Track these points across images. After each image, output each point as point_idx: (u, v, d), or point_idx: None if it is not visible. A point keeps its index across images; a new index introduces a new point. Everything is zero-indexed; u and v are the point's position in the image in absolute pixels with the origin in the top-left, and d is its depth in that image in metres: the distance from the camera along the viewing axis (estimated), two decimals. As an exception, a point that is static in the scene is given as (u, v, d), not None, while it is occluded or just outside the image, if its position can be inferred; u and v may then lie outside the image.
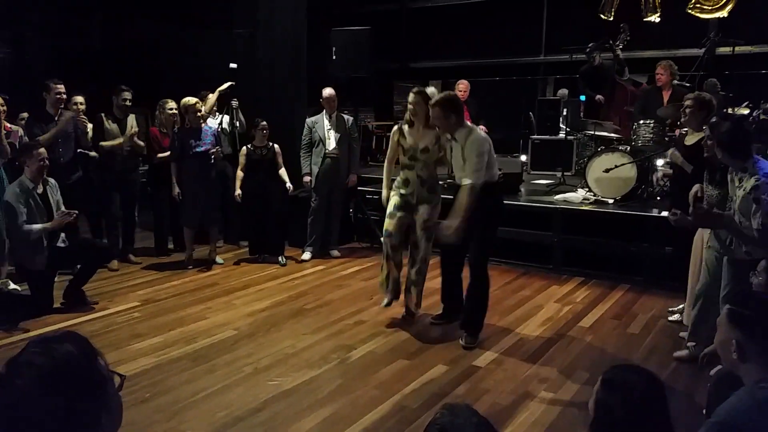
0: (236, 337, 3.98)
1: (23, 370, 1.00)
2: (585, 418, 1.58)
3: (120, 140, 5.40)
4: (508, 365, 3.60)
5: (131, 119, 5.59)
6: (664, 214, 4.99)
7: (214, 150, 5.42)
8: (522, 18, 9.48)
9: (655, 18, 7.48)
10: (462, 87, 7.01)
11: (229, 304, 4.66)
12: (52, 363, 1.00)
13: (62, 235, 4.51)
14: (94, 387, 1.04)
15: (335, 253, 6.09)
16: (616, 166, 5.49)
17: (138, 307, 4.56)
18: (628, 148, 5.75)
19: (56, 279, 4.63)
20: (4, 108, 4.98)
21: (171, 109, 5.74)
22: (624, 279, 5.24)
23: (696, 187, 3.75)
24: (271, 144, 5.74)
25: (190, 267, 5.56)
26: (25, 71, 8.22)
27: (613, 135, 6.37)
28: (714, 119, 3.33)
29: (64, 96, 5.15)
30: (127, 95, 5.50)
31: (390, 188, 4.27)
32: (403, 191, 4.16)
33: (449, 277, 4.24)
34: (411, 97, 4.11)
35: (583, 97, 7.89)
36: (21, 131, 5.14)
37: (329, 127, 5.81)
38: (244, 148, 5.74)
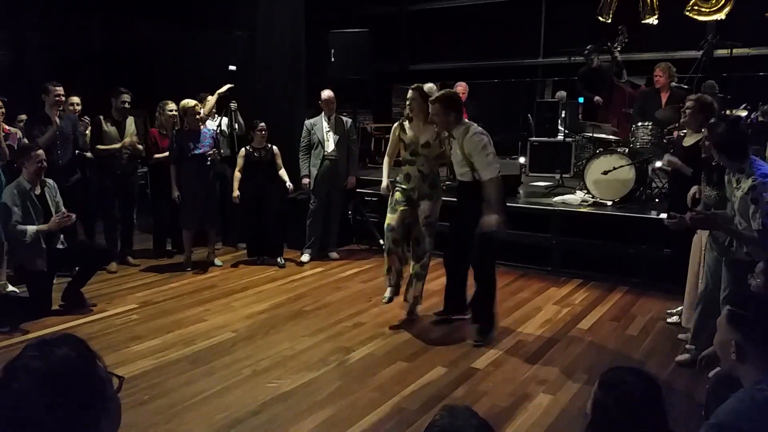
0: (235, 339, 3.97)
1: (21, 374, 0.99)
2: (584, 420, 1.59)
3: (116, 146, 5.40)
4: (507, 367, 3.60)
5: (130, 121, 5.59)
6: (663, 216, 5.01)
7: (211, 152, 5.42)
8: (520, 20, 9.50)
9: (653, 20, 7.49)
10: (460, 89, 7.01)
11: (227, 306, 4.66)
12: (49, 366, 1.00)
13: (61, 236, 4.51)
14: (93, 390, 1.04)
15: (334, 255, 6.09)
16: (615, 168, 5.50)
17: (136, 309, 4.56)
18: (627, 150, 5.76)
19: (55, 281, 4.62)
20: (3, 110, 4.99)
21: (171, 110, 5.74)
22: (622, 281, 5.24)
23: (694, 189, 3.76)
24: (269, 146, 5.75)
25: (189, 269, 5.56)
26: (24, 73, 8.21)
27: (611, 137, 6.37)
28: (712, 121, 3.34)
29: (63, 98, 5.15)
30: (126, 97, 5.51)
31: (390, 179, 4.30)
32: (404, 186, 4.19)
33: (453, 278, 4.26)
34: (409, 93, 4.17)
35: (581, 99, 7.91)
36: (20, 133, 5.14)
37: (328, 129, 5.81)
38: (243, 149, 5.74)
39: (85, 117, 5.53)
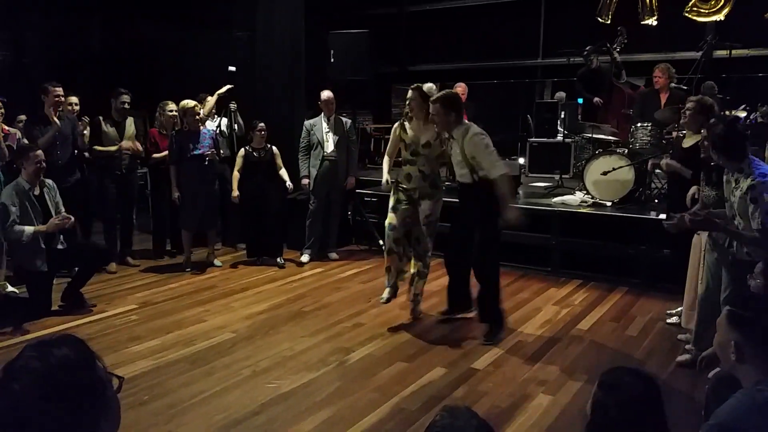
0: (234, 340, 3.97)
1: (20, 374, 0.99)
2: (583, 420, 1.59)
3: (112, 149, 5.40)
4: (507, 367, 3.59)
5: (130, 122, 5.60)
6: (662, 216, 5.01)
7: (209, 153, 5.42)
8: (520, 21, 9.50)
9: (652, 21, 7.49)
10: (460, 90, 7.02)
11: (227, 306, 4.66)
12: (48, 367, 1.00)
13: (60, 237, 4.51)
14: (92, 390, 1.03)
15: (333, 255, 6.09)
16: (614, 169, 5.50)
17: (136, 309, 4.56)
18: (626, 151, 5.76)
19: (54, 281, 4.61)
20: (2, 110, 4.99)
21: (171, 111, 5.75)
22: (622, 281, 5.25)
23: (693, 189, 3.77)
24: (269, 146, 5.75)
25: (188, 269, 5.56)
26: (24, 73, 8.21)
27: (610, 138, 6.38)
28: (711, 121, 3.34)
29: (63, 99, 5.15)
30: (126, 98, 5.51)
31: (390, 178, 4.33)
32: (405, 186, 4.19)
33: (454, 277, 4.28)
34: (409, 93, 4.18)
35: (580, 100, 7.91)
36: (19, 134, 5.14)
37: (327, 129, 5.81)
38: (242, 149, 5.74)
39: (85, 117, 5.53)
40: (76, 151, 5.40)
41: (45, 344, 1.04)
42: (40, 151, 4.35)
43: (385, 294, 4.27)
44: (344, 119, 5.99)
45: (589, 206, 5.75)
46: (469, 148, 3.82)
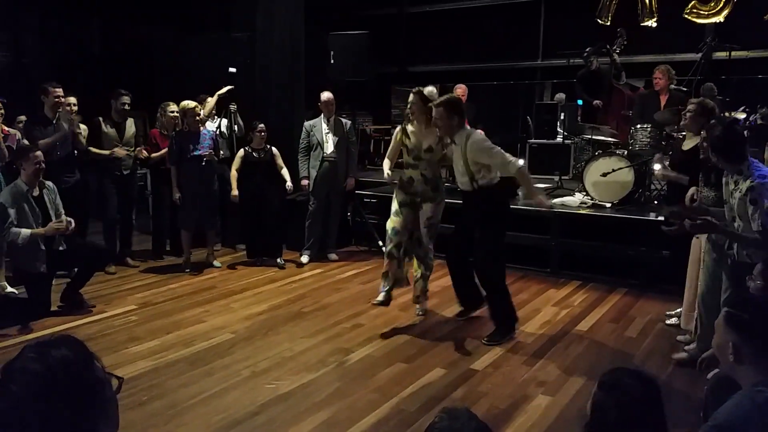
0: (234, 341, 3.97)
1: (19, 375, 0.99)
2: (582, 422, 1.59)
3: (106, 152, 5.40)
4: (506, 368, 3.60)
5: (130, 123, 5.60)
6: (661, 218, 5.02)
7: (207, 153, 5.42)
8: (519, 22, 9.51)
9: (651, 23, 7.51)
10: (460, 91, 7.02)
11: (226, 307, 4.65)
12: (47, 368, 1.00)
13: (60, 238, 4.49)
14: (90, 391, 1.04)
15: (333, 256, 6.09)
16: (614, 170, 5.51)
17: (135, 310, 4.55)
18: (626, 152, 5.77)
19: (54, 282, 4.61)
20: (2, 111, 4.99)
21: (172, 111, 5.75)
22: (621, 282, 5.25)
23: (692, 190, 3.77)
24: (268, 147, 5.75)
25: (188, 270, 5.56)
26: (24, 74, 8.21)
27: (610, 139, 6.38)
28: (710, 122, 3.35)
29: (63, 99, 5.15)
30: (126, 99, 5.51)
31: (392, 179, 4.34)
32: (407, 190, 4.21)
33: (458, 278, 4.30)
34: (410, 96, 4.20)
35: (580, 102, 7.92)
36: (19, 134, 5.14)
37: (327, 130, 5.81)
38: (242, 150, 5.74)
39: (75, 115, 5.45)
40: (76, 152, 5.40)
41: (44, 345, 1.04)
42: (39, 152, 4.35)
43: (380, 297, 4.27)
44: (344, 120, 6.00)
45: (588, 207, 5.75)
46: (473, 153, 3.82)
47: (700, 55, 6.56)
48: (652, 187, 6.04)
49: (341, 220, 6.32)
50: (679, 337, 4.01)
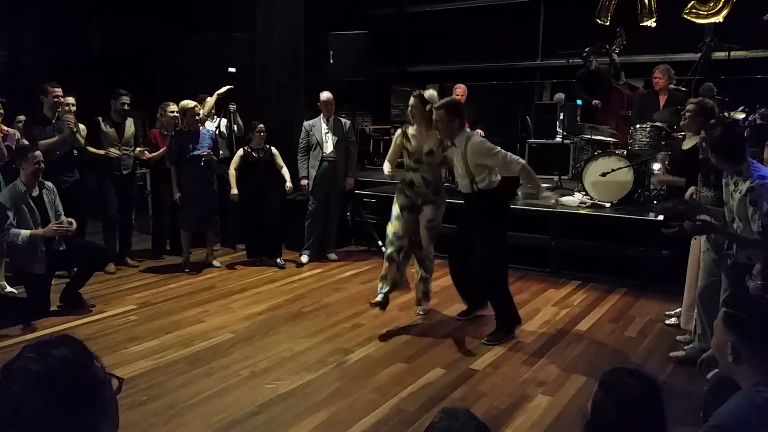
0: (233, 341, 3.97)
1: (19, 375, 0.99)
2: (582, 421, 1.59)
3: (101, 152, 5.39)
4: (506, 368, 3.60)
5: (129, 123, 5.60)
6: (661, 218, 5.02)
7: (206, 154, 5.42)
8: (519, 22, 9.50)
9: (651, 23, 7.51)
10: (459, 91, 7.02)
11: (226, 307, 4.65)
12: (47, 368, 1.00)
13: (59, 238, 4.49)
14: (90, 391, 1.04)
15: (333, 256, 6.09)
16: (613, 170, 5.51)
17: (135, 310, 4.55)
18: (625, 152, 5.76)
19: (53, 282, 4.61)
20: (1, 111, 4.98)
21: (172, 111, 5.74)
22: (621, 282, 5.25)
23: (691, 190, 3.77)
24: (267, 146, 5.75)
25: (187, 270, 5.55)
26: (23, 74, 8.21)
27: (609, 139, 6.38)
28: (710, 122, 3.35)
29: (62, 99, 5.15)
30: (126, 99, 5.51)
31: (393, 176, 4.36)
32: (408, 193, 4.21)
33: (459, 277, 4.32)
34: (411, 100, 4.22)
35: (579, 102, 7.91)
36: (18, 134, 5.14)
37: (327, 130, 5.82)
38: (241, 149, 5.74)
39: (69, 115, 5.43)
40: (76, 152, 5.39)
41: (43, 345, 1.04)
42: (38, 152, 4.34)
43: (378, 298, 4.22)
44: (343, 120, 6.00)
45: (588, 207, 5.75)
46: (474, 155, 3.84)
47: (699, 55, 6.56)
48: (651, 187, 6.04)
49: (341, 219, 6.33)
50: (679, 337, 4.02)
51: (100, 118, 5.46)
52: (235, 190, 5.63)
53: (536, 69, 9.60)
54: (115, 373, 1.12)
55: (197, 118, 5.48)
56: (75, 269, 4.72)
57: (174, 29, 8.45)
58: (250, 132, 5.76)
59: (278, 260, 5.82)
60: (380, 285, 4.22)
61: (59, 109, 5.13)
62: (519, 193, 6.49)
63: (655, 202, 5.84)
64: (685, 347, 3.74)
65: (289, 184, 5.70)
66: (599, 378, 1.57)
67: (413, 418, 2.98)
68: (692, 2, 7.31)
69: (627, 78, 7.00)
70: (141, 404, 3.08)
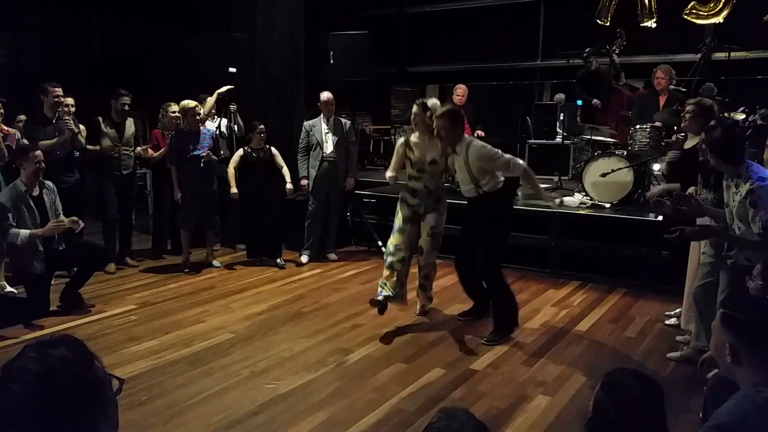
0: (233, 341, 3.97)
1: (19, 375, 0.99)
2: (582, 421, 1.59)
3: (96, 147, 5.38)
4: (505, 369, 3.60)
5: (129, 123, 5.60)
6: (660, 218, 5.02)
7: (205, 155, 5.42)
8: (519, 23, 9.51)
9: (651, 23, 7.51)
10: (460, 91, 7.02)
11: (226, 307, 4.66)
12: (47, 367, 1.00)
13: (59, 237, 4.49)
14: (90, 391, 1.04)
15: (332, 256, 6.09)
16: (613, 171, 5.51)
17: (135, 310, 4.55)
18: (625, 153, 5.77)
19: (53, 281, 4.62)
20: (2, 111, 4.99)
21: (174, 112, 5.74)
22: (621, 283, 5.25)
23: (690, 190, 3.77)
24: (267, 146, 5.75)
25: (186, 270, 5.55)
26: (23, 74, 8.21)
27: (609, 139, 6.39)
28: (710, 124, 3.35)
29: (62, 99, 5.15)
30: (126, 99, 5.50)
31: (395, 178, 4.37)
32: (410, 202, 4.23)
33: (465, 278, 4.33)
34: (413, 108, 4.25)
35: (579, 102, 7.92)
36: (18, 134, 5.14)
37: (327, 130, 5.82)
38: (241, 149, 5.75)
39: (68, 116, 5.44)
40: (77, 153, 5.39)
41: (43, 345, 1.04)
42: (39, 152, 4.34)
43: (379, 297, 4.17)
44: (343, 120, 6.00)
45: (588, 208, 5.76)
46: (477, 161, 3.88)
47: (699, 55, 6.56)
48: (651, 187, 6.04)
49: (341, 220, 6.33)
50: (679, 338, 4.02)
51: (100, 118, 5.46)
52: (234, 189, 5.63)
53: (536, 69, 9.61)
54: (115, 373, 1.12)
55: (198, 117, 5.48)
56: (75, 269, 4.72)
57: (174, 29, 8.45)
58: (250, 132, 5.76)
59: (278, 260, 5.82)
60: (380, 289, 4.22)
61: (59, 110, 5.13)
62: (519, 193, 6.49)
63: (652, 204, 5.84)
64: (684, 348, 3.74)
65: (289, 185, 5.70)
66: (600, 378, 1.57)
67: (413, 418, 2.98)
68: (692, 3, 7.31)
69: (627, 78, 7.00)
70: (141, 404, 3.08)
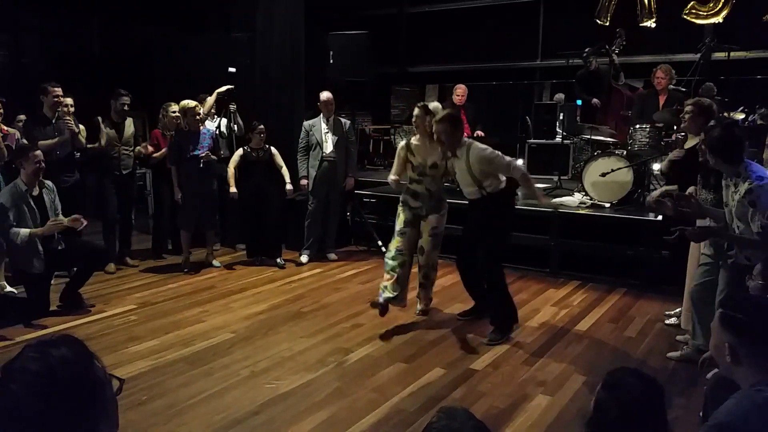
0: (233, 340, 3.97)
1: (19, 375, 0.99)
2: (582, 421, 1.59)
3: (94, 145, 5.38)
4: (505, 368, 3.60)
5: (129, 123, 5.60)
6: (660, 218, 5.02)
7: (204, 155, 5.42)
8: (519, 23, 9.51)
9: (650, 23, 7.51)
10: (459, 91, 7.03)
11: (226, 307, 4.66)
12: (47, 367, 1.00)
13: (59, 237, 4.49)
14: (90, 391, 1.04)
15: (332, 256, 6.09)
16: (613, 170, 5.51)
17: (135, 309, 4.55)
18: (625, 153, 5.77)
19: (53, 281, 4.62)
20: (1, 111, 4.98)
21: (174, 112, 5.75)
22: (621, 283, 5.26)
23: (690, 190, 3.78)
24: (267, 146, 5.75)
25: (186, 270, 5.56)
26: (23, 74, 8.21)
27: (609, 139, 6.39)
28: (710, 124, 3.36)
29: (62, 99, 5.15)
30: (126, 99, 5.51)
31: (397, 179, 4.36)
32: (412, 204, 4.25)
33: (467, 279, 4.34)
34: (415, 111, 4.27)
35: (579, 102, 7.92)
36: (18, 134, 5.14)
37: (327, 130, 5.82)
38: (241, 149, 5.75)
39: (68, 118, 5.43)
40: (78, 154, 5.39)
41: (44, 344, 1.04)
42: (39, 151, 4.35)
43: (380, 299, 4.18)
44: (343, 120, 6.00)
45: (587, 207, 5.76)
46: (477, 163, 3.90)
47: (699, 55, 6.56)
48: (651, 187, 6.04)
49: (340, 219, 6.33)
50: (679, 337, 4.02)
51: (100, 118, 5.46)
52: (234, 189, 5.63)
53: (536, 69, 9.61)
54: (115, 373, 1.12)
55: (198, 117, 5.48)
56: (75, 269, 4.72)
57: (174, 29, 8.45)
58: (250, 132, 5.76)
59: (278, 260, 5.82)
60: (381, 291, 4.22)
61: (59, 110, 5.13)
62: (519, 193, 6.49)
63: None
64: (684, 347, 3.74)
65: (289, 186, 5.70)
66: (600, 378, 1.57)
67: (413, 418, 2.99)
68: (692, 3, 7.32)
69: (627, 78, 7.00)
70: (141, 404, 3.08)
